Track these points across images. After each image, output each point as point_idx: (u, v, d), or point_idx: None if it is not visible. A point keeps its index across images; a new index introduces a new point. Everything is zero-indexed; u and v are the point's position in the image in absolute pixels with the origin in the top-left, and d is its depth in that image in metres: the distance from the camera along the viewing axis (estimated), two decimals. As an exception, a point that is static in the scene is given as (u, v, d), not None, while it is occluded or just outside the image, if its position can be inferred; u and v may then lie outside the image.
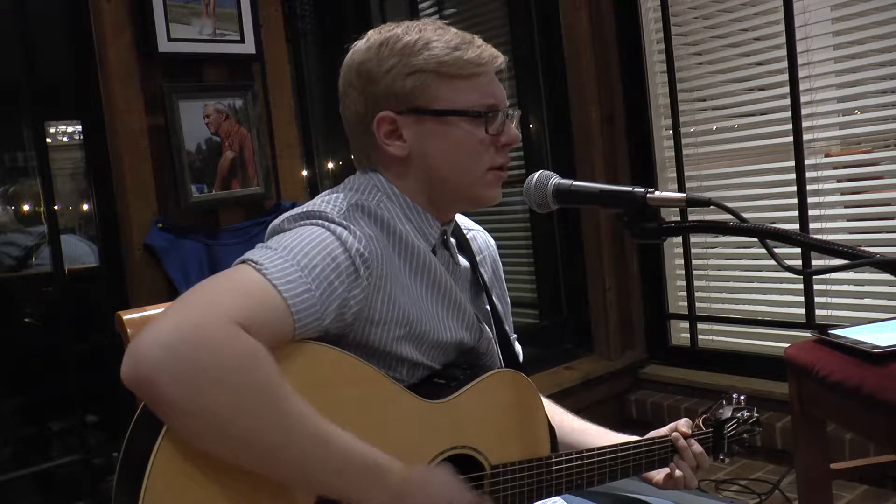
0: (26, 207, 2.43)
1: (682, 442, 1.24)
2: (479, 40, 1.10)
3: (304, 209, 1.03)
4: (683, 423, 1.27)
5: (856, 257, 0.91)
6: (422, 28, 1.09)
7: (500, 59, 1.11)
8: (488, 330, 1.18)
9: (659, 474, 1.26)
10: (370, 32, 1.11)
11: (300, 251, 0.93)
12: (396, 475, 0.92)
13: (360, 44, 1.11)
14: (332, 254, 0.94)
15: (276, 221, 1.04)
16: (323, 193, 1.09)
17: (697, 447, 1.25)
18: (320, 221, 0.99)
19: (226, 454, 0.84)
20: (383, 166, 1.11)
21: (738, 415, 1.33)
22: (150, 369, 0.78)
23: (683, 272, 3.33)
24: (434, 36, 1.07)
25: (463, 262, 1.20)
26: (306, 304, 0.90)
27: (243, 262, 0.92)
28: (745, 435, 1.34)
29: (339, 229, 0.98)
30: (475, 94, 1.08)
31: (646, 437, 1.25)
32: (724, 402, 1.35)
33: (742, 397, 1.36)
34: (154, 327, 0.80)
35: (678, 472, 1.23)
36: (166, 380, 0.78)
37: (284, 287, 0.89)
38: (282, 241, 0.95)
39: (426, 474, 0.98)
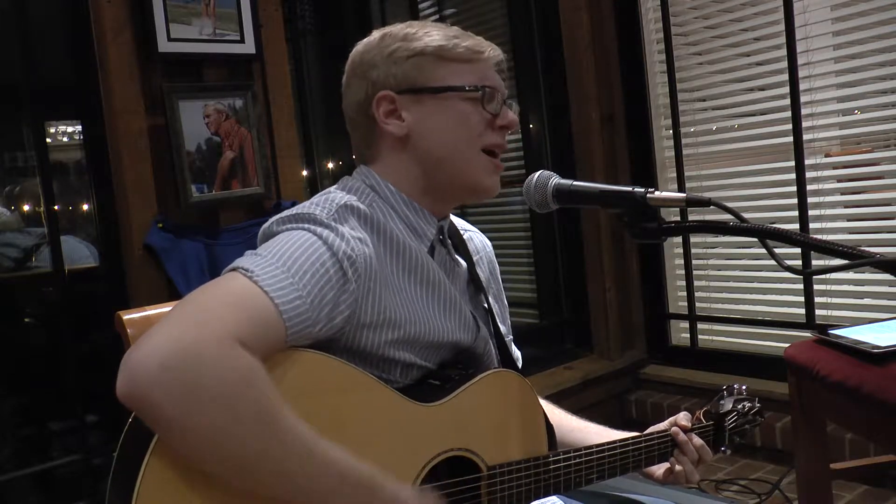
0: (26, 207, 2.42)
1: (681, 436, 1.24)
2: (478, 36, 1.14)
3: (294, 211, 1.02)
4: (683, 417, 1.27)
5: (856, 257, 0.91)
6: (423, 24, 1.15)
7: (499, 53, 1.14)
8: (485, 330, 1.18)
9: (659, 469, 1.26)
10: (374, 31, 1.15)
11: (289, 257, 0.92)
12: (389, 491, 0.92)
13: (364, 40, 1.16)
14: (320, 258, 0.94)
15: (267, 224, 1.04)
16: (316, 195, 1.09)
17: (698, 440, 1.25)
18: (308, 225, 0.98)
19: (221, 472, 0.83)
20: (382, 152, 1.12)
21: (739, 406, 1.33)
22: (145, 387, 0.78)
23: (683, 272, 3.33)
24: (435, 28, 1.12)
25: (461, 261, 1.20)
26: (298, 311, 0.89)
27: (234, 269, 0.91)
28: (746, 426, 1.33)
29: (326, 232, 0.97)
30: (473, 76, 1.10)
31: (645, 432, 1.25)
32: (724, 393, 1.34)
33: (744, 388, 1.35)
34: (149, 342, 0.79)
35: (678, 467, 1.23)
36: (161, 397, 0.78)
37: (276, 294, 0.88)
38: (270, 247, 0.95)
39: (419, 495, 0.97)
